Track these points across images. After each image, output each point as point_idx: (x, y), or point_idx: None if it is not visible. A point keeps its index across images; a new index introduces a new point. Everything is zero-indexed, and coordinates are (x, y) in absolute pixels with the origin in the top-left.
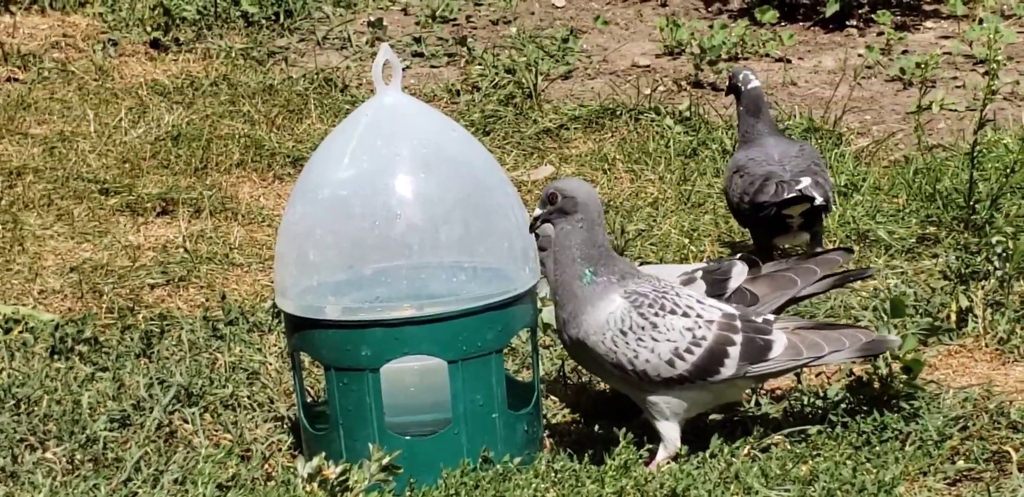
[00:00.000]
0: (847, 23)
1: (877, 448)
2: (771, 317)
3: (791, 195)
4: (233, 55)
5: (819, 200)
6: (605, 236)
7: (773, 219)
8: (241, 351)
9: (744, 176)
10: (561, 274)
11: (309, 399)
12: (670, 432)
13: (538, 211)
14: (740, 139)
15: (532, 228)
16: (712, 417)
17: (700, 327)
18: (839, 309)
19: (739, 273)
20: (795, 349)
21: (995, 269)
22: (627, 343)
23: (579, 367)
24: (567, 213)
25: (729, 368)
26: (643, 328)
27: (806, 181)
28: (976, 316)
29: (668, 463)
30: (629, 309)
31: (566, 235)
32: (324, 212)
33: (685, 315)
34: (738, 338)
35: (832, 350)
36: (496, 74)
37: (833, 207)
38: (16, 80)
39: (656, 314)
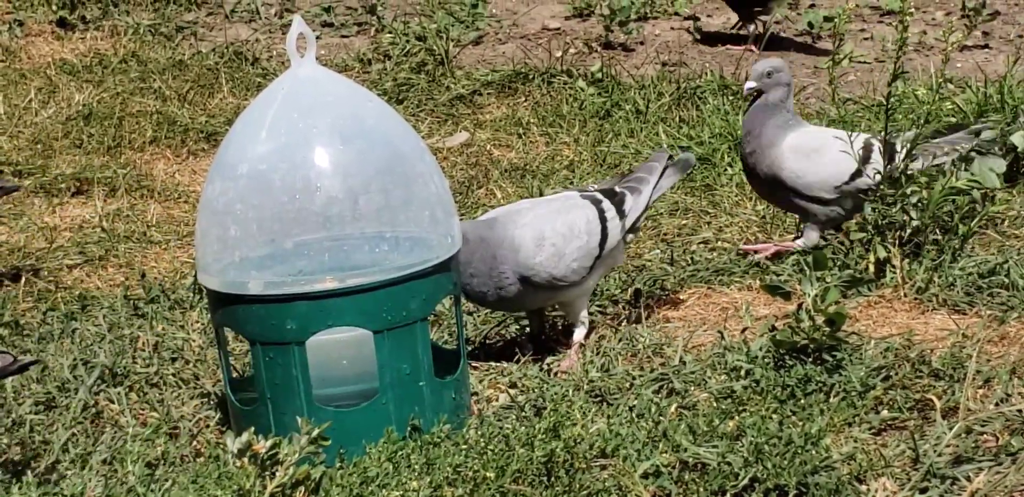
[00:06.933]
0: None
1: (802, 401)
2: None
3: None
4: (141, 31)
5: None
6: None
7: None
8: (164, 329)
9: None
10: None
11: (235, 374)
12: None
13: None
14: None
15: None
16: (640, 375)
17: None
18: (755, 265)
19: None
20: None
21: (911, 219)
22: None
23: (504, 332)
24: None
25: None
26: None
27: None
28: (894, 266)
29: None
30: None
31: None
32: (243, 187)
33: None
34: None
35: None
36: (407, 42)
37: None
38: None
39: None
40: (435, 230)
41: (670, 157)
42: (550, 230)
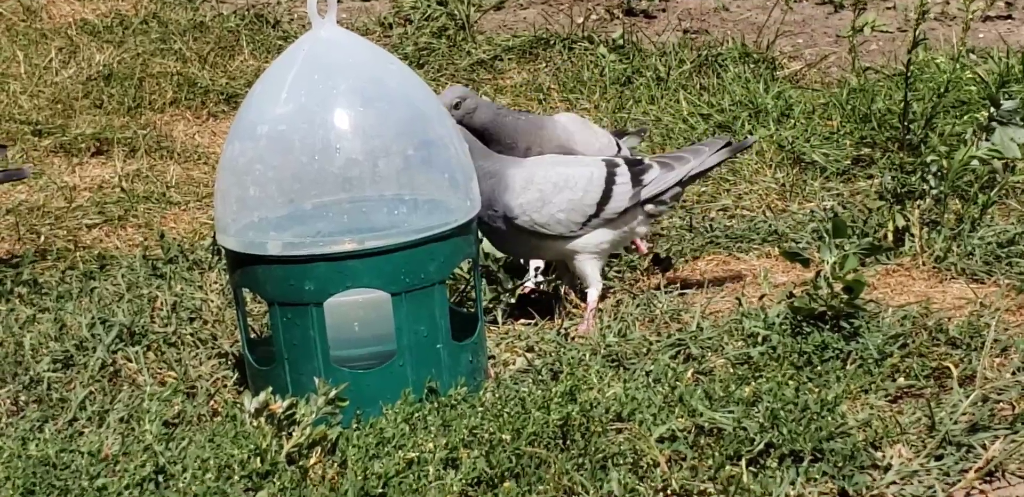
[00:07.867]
0: None
1: (819, 368)
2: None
3: None
4: None
5: None
6: None
7: None
8: (182, 289)
9: None
10: None
11: (252, 335)
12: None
13: None
14: None
15: None
16: (657, 341)
17: None
18: (774, 232)
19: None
20: None
21: (930, 188)
22: None
23: (523, 295)
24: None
25: None
26: None
27: None
28: (913, 235)
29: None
30: None
31: None
32: (263, 148)
33: None
34: None
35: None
36: (428, 6)
37: None
38: None
39: None
40: (454, 193)
41: (727, 144)
42: (541, 176)
